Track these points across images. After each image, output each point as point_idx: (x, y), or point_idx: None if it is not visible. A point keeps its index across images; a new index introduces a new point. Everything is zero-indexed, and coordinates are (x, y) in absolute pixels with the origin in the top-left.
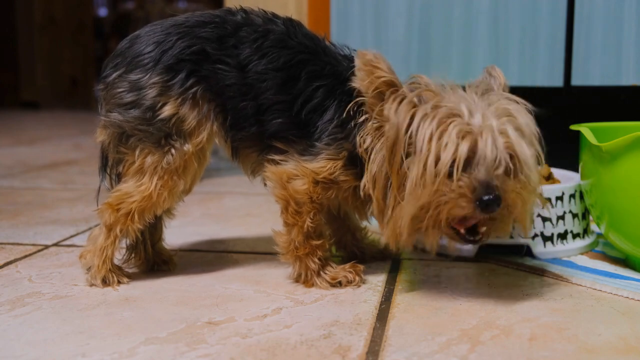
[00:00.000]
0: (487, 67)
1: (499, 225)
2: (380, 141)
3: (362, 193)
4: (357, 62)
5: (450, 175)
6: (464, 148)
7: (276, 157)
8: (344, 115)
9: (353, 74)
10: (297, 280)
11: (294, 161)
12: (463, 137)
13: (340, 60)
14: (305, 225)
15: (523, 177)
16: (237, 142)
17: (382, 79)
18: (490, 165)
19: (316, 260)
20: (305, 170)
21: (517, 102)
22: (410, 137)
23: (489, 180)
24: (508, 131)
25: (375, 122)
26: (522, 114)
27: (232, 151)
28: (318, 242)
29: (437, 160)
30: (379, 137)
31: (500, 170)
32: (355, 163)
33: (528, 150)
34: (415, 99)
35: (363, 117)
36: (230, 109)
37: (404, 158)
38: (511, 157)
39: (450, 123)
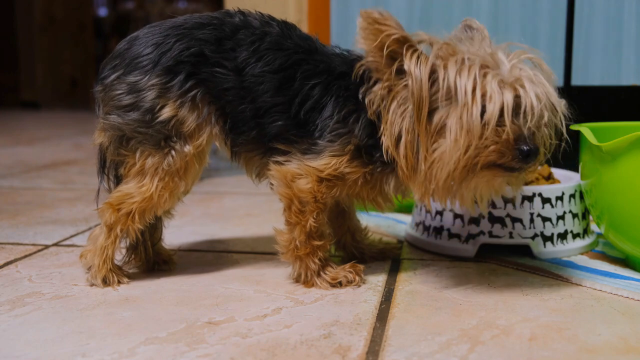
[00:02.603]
0: (465, 20)
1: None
2: (396, 100)
3: (385, 157)
4: (361, 22)
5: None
6: (509, 97)
7: (280, 159)
8: (345, 109)
9: (347, 68)
10: (297, 280)
11: (297, 160)
12: (505, 87)
13: (333, 57)
14: (308, 225)
15: (551, 130)
16: (238, 146)
17: (394, 36)
18: (534, 115)
19: (316, 260)
20: (308, 169)
21: (533, 52)
22: (435, 91)
23: (533, 130)
24: (544, 81)
25: (386, 82)
26: (544, 63)
27: (233, 155)
28: (319, 243)
29: (483, 111)
30: (393, 98)
31: (543, 121)
32: (361, 154)
33: (561, 101)
34: (437, 53)
35: (372, 80)
36: (229, 112)
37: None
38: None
39: (487, 74)
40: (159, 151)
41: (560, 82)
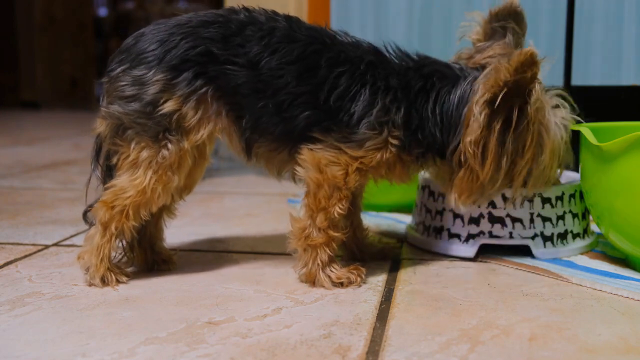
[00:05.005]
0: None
1: None
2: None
3: (460, 157)
4: (523, 59)
5: None
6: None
7: (312, 147)
8: (387, 98)
9: (374, 58)
10: (302, 273)
11: (332, 149)
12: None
13: (348, 46)
14: (334, 210)
15: None
16: (260, 146)
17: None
18: None
19: (328, 251)
20: (347, 158)
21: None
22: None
23: None
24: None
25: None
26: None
27: (250, 154)
28: (336, 234)
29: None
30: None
31: None
32: (401, 145)
33: None
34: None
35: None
36: (246, 108)
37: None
38: None
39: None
40: (155, 143)
41: (560, 82)
